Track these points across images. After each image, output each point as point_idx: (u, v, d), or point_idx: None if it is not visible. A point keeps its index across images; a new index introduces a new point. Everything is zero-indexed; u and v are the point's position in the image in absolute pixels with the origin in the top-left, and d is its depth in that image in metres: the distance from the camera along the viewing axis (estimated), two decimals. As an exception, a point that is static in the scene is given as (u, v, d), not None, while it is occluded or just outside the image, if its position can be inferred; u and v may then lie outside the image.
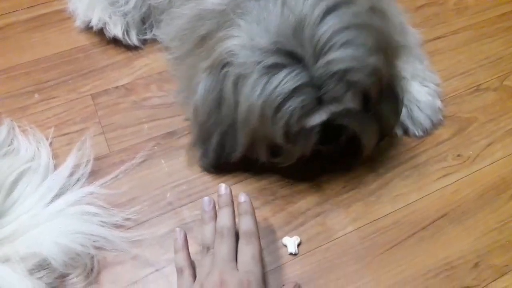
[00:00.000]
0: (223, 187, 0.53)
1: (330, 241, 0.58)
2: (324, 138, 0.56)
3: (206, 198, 0.54)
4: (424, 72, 0.71)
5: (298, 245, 0.57)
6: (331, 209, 0.61)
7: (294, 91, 0.50)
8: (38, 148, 0.63)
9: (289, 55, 0.50)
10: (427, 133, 0.68)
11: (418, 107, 0.67)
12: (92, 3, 0.77)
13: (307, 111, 0.52)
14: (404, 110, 0.65)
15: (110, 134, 0.67)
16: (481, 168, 0.66)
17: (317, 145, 0.58)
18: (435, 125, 0.69)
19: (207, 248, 0.51)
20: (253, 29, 0.51)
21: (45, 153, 0.62)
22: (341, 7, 0.51)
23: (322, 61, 0.50)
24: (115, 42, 0.77)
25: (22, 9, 0.83)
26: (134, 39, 0.76)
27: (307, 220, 0.60)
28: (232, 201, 0.53)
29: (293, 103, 0.51)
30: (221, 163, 0.62)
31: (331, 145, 0.59)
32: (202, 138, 0.61)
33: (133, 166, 0.63)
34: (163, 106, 0.71)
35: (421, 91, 0.68)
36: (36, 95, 0.71)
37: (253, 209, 0.53)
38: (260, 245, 0.50)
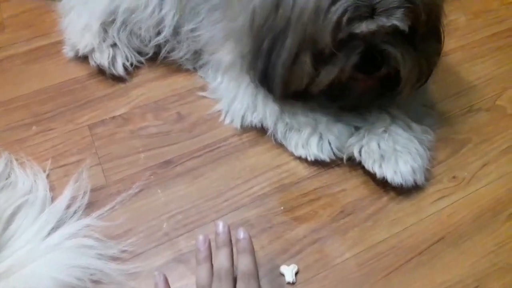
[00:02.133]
0: (221, 225, 0.50)
1: (328, 269, 0.58)
2: (365, 64, 0.59)
3: (200, 237, 0.50)
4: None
5: (296, 273, 0.57)
6: (328, 236, 0.61)
7: None
8: (35, 181, 0.63)
9: None
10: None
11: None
12: (85, 28, 0.77)
13: (359, 16, 0.54)
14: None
15: (106, 164, 0.68)
16: (477, 190, 0.66)
17: (356, 71, 0.60)
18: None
19: None
20: None
21: (42, 186, 0.62)
22: None
23: None
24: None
25: (21, 41, 0.85)
26: (119, 69, 0.77)
27: (304, 247, 0.60)
28: (231, 241, 0.50)
29: (348, 1, 0.54)
30: (264, 81, 0.64)
31: (370, 74, 0.61)
32: (254, 46, 0.63)
33: (129, 196, 0.64)
34: (160, 135, 0.71)
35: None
36: (34, 127, 0.72)
37: (253, 246, 0.49)
38: (259, 287, 0.47)
